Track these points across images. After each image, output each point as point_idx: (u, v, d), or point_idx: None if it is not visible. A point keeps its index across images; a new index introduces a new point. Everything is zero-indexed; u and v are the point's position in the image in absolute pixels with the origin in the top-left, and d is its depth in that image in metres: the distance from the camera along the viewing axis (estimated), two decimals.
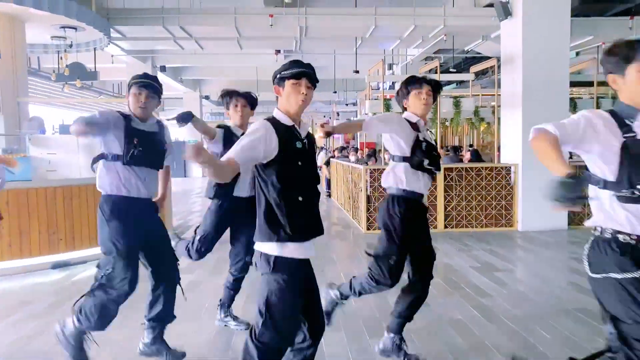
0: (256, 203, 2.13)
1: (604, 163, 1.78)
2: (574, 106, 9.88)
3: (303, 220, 2.09)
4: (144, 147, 2.80)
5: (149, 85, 2.83)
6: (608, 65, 1.83)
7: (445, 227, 7.58)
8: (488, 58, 13.31)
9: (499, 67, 8.18)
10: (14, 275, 5.27)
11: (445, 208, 7.59)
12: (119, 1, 9.25)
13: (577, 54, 10.99)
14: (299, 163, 2.10)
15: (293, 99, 2.09)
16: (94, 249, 5.90)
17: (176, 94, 20.54)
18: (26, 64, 7.89)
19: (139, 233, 2.84)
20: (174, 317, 3.08)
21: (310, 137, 2.23)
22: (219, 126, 3.47)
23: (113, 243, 2.75)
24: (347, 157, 12.17)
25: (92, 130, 2.65)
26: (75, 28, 7.86)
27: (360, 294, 2.98)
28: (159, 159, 2.99)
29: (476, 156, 9.61)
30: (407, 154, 2.88)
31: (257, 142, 1.99)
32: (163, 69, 14.73)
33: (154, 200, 3.04)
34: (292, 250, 2.07)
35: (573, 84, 9.96)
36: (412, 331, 3.28)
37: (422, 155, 2.86)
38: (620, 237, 1.77)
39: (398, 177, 2.90)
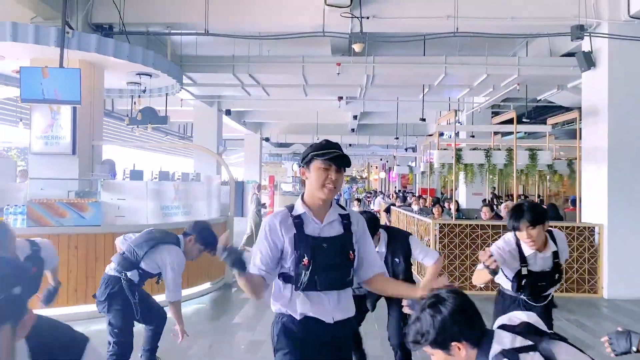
0: None
1: None
2: None
3: None
4: None
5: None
6: None
7: None
8: (560, 107, 12.73)
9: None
10: (77, 321, 5.23)
11: None
12: (191, 49, 9.57)
13: None
14: None
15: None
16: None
17: (238, 136, 21.01)
18: (103, 109, 8.20)
19: None
20: None
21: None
22: None
23: None
24: (410, 205, 11.76)
25: None
26: (150, 75, 8.13)
27: None
28: None
29: (554, 213, 8.30)
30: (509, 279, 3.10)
31: None
32: (228, 112, 15.06)
33: None
34: None
35: None
36: None
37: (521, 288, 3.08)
38: None
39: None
